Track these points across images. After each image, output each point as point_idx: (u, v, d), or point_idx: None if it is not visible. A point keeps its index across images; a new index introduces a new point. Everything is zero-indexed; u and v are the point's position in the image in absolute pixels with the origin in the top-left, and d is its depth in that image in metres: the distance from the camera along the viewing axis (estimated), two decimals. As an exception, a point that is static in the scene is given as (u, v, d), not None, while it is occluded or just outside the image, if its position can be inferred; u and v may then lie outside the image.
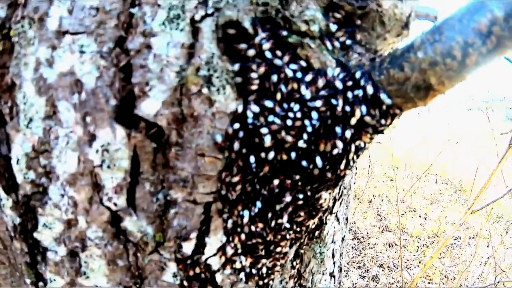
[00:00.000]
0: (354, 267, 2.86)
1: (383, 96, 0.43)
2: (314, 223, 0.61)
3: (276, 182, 0.45)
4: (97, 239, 0.47)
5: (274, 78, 0.42)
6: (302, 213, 0.51)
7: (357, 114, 0.43)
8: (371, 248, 3.09)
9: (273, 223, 0.49)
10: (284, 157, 0.43)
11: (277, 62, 0.42)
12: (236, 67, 0.42)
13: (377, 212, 3.62)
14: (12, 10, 0.47)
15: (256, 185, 0.45)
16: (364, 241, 3.17)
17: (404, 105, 0.44)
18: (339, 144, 0.43)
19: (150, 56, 0.41)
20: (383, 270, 2.87)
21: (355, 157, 0.47)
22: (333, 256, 0.77)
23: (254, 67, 0.41)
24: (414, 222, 3.41)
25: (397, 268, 2.77)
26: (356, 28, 0.44)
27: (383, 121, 0.44)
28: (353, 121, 0.43)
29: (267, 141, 0.42)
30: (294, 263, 0.65)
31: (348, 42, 0.44)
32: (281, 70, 0.42)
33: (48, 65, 0.45)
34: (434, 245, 3.08)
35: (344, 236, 0.83)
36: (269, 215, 0.48)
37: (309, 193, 0.48)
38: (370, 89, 0.43)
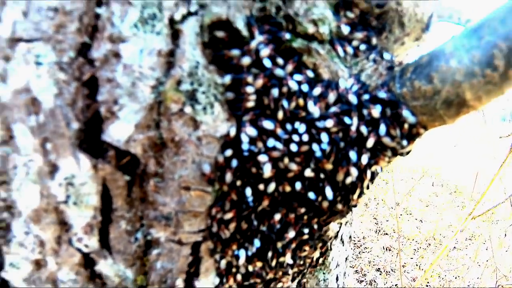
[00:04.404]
0: (351, 272, 2.80)
1: (406, 113, 0.35)
2: (319, 253, 0.54)
3: (277, 217, 0.37)
4: (70, 282, 0.41)
5: (275, 92, 0.34)
6: (307, 248, 0.44)
7: (375, 135, 0.35)
8: (368, 252, 3.04)
9: (274, 262, 0.41)
10: (288, 188, 0.36)
11: (279, 72, 0.34)
12: (227, 79, 0.34)
13: (373, 216, 3.57)
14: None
15: (254, 221, 0.37)
16: (361, 245, 3.12)
17: (430, 124, 0.36)
18: (354, 171, 0.35)
19: (119, 67, 0.33)
20: (380, 274, 2.82)
21: (369, 184, 0.39)
22: (337, 279, 0.70)
23: (249, 79, 0.33)
24: (410, 225, 3.37)
25: (394, 272, 2.71)
26: (373, 31, 0.37)
27: (404, 143, 0.37)
28: (370, 143, 0.35)
29: (267, 170, 0.34)
30: (296, 295, 0.58)
31: (362, 47, 0.37)
32: (284, 83, 0.34)
33: (1, 80, 0.38)
34: (431, 247, 3.03)
35: (348, 255, 0.77)
36: (270, 253, 0.40)
37: (315, 226, 0.41)
38: (390, 105, 0.35)
